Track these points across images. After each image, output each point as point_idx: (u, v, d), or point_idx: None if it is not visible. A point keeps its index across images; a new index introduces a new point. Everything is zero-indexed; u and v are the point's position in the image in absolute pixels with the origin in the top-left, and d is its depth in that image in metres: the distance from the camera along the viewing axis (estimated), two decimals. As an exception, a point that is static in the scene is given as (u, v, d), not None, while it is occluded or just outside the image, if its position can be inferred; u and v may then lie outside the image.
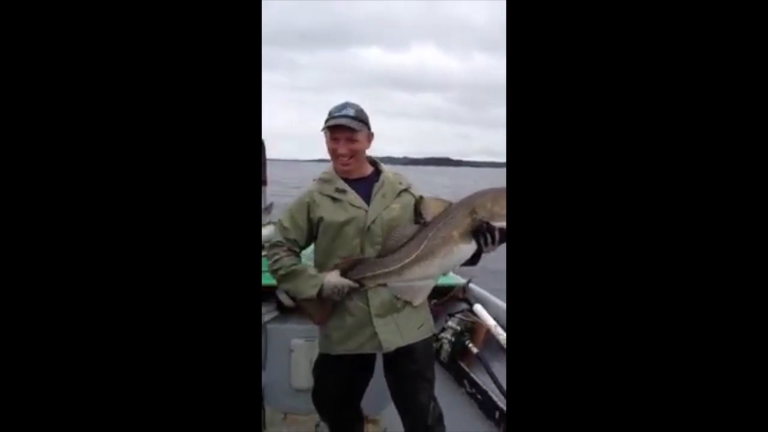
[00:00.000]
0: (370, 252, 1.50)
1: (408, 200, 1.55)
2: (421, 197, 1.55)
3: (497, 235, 1.36)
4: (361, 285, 1.48)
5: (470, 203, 1.40)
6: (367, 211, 1.50)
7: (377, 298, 1.50)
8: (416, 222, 1.51)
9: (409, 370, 1.55)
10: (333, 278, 1.48)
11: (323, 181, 1.56)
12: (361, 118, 1.50)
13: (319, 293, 1.48)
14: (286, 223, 1.55)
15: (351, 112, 1.49)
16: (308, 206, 1.53)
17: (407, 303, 1.51)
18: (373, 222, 1.50)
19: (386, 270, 1.46)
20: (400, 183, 1.57)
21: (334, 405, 1.67)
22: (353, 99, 1.57)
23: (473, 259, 1.46)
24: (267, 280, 2.39)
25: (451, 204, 1.44)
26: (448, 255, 1.42)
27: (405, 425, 1.59)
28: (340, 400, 1.66)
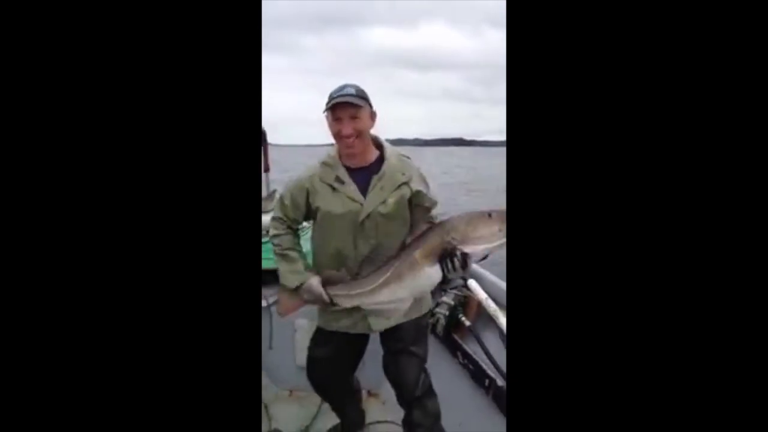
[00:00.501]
0: (364, 247, 1.50)
1: (405, 194, 1.51)
2: (418, 191, 1.52)
3: (457, 261, 1.33)
4: (333, 303, 1.53)
5: (446, 226, 1.38)
6: (362, 205, 1.49)
7: None
8: (410, 215, 1.52)
9: (396, 347, 1.63)
10: (314, 284, 1.52)
11: (326, 165, 1.55)
12: (362, 96, 1.47)
13: (297, 288, 1.56)
14: (287, 201, 1.58)
15: (351, 90, 1.46)
16: (308, 192, 1.54)
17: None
18: (368, 217, 1.49)
19: (359, 291, 1.48)
20: (403, 174, 1.52)
21: (326, 378, 1.75)
22: (362, 80, 1.52)
23: (444, 281, 1.44)
24: (272, 262, 2.48)
25: (431, 225, 1.42)
26: (415, 279, 1.41)
27: (396, 397, 1.67)
28: (331, 373, 1.73)
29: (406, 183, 1.52)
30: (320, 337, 1.69)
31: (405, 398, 1.64)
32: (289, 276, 1.57)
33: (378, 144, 1.58)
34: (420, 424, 1.62)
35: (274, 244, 1.61)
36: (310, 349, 1.73)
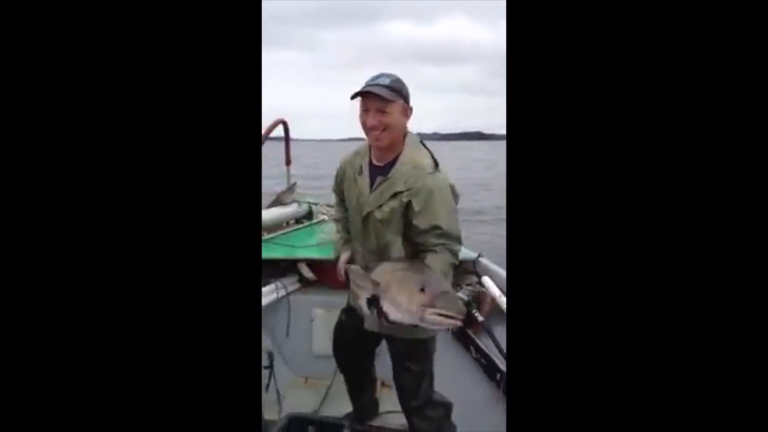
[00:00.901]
0: (371, 240, 1.51)
1: (396, 206, 1.43)
2: (408, 204, 1.41)
3: (375, 310, 1.32)
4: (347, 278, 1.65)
5: (384, 271, 1.35)
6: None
7: None
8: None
9: (393, 354, 1.67)
10: (341, 260, 1.70)
11: (357, 154, 1.57)
12: (396, 88, 1.38)
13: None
14: (337, 179, 1.68)
15: (385, 81, 1.38)
16: (343, 172, 1.62)
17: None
18: (366, 216, 1.49)
19: (354, 283, 1.53)
20: (405, 183, 1.42)
21: (346, 350, 1.82)
22: (381, 75, 1.41)
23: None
24: (291, 253, 2.56)
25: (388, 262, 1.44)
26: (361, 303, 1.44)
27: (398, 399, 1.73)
28: (351, 346, 1.79)
29: (400, 193, 1.41)
30: (348, 308, 1.76)
31: (404, 405, 1.69)
32: (335, 245, 1.79)
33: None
34: (423, 431, 1.66)
35: (333, 212, 1.85)
36: (340, 315, 1.80)
